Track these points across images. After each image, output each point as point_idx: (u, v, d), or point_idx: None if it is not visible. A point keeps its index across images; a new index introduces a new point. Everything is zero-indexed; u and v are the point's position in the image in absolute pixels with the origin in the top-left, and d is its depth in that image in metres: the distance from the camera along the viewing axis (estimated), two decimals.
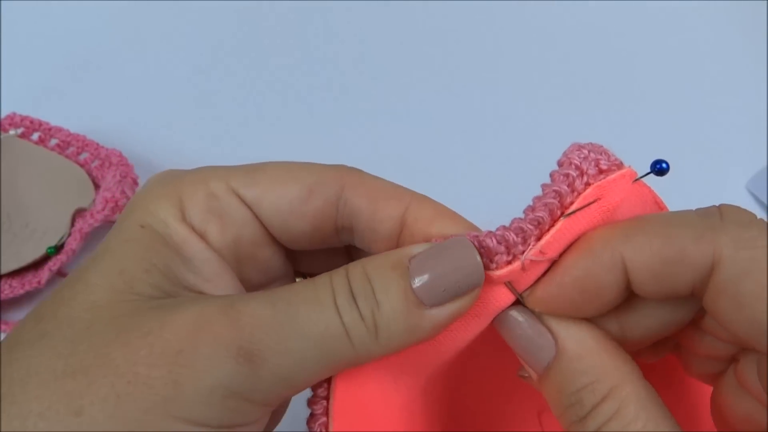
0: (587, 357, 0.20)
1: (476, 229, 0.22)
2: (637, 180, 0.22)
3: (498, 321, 0.21)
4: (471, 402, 0.26)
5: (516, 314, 0.21)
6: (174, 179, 0.23)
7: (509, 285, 0.21)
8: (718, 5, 0.60)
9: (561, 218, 0.21)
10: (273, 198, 0.23)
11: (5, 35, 0.57)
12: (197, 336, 0.18)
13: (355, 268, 0.20)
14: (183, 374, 0.17)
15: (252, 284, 0.24)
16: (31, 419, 0.18)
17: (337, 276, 0.20)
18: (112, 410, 0.17)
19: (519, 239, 0.20)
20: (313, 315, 0.19)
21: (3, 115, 0.47)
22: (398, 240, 0.23)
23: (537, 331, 0.20)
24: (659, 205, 0.23)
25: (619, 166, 0.22)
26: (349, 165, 0.25)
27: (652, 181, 0.23)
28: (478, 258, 0.20)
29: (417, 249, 0.20)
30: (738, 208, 0.20)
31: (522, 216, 0.21)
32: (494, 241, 0.20)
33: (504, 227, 0.21)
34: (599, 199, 0.21)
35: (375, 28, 0.59)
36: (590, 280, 0.20)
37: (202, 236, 0.22)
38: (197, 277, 0.22)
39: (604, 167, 0.21)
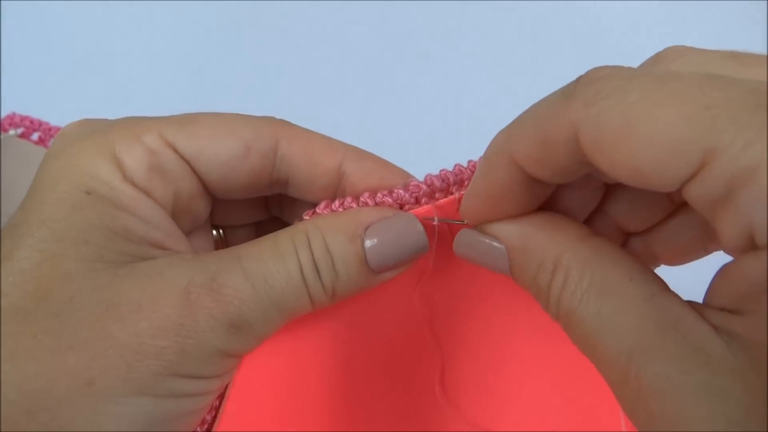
0: (529, 244, 0.20)
1: (410, 176, 0.24)
2: None
3: (456, 248, 0.22)
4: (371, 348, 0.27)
5: (463, 237, 0.22)
6: (100, 133, 0.22)
7: (438, 219, 0.24)
8: (718, 5, 0.60)
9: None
10: (211, 153, 0.23)
11: (5, 35, 0.57)
12: (192, 310, 0.20)
13: (316, 237, 0.22)
14: (189, 343, 0.20)
15: None
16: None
17: (301, 247, 0.22)
18: (125, 377, 0.19)
19: (442, 184, 0.23)
20: (286, 289, 0.21)
21: (3, 115, 0.47)
22: (337, 190, 0.24)
23: (484, 243, 0.21)
24: None
25: None
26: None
27: None
28: (421, 228, 0.23)
29: (368, 217, 0.22)
30: (595, 68, 0.18)
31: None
32: (424, 185, 0.23)
33: (430, 174, 0.24)
34: None
35: (372, 27, 0.59)
36: (489, 183, 0.20)
37: (147, 194, 0.22)
38: (159, 233, 0.22)
39: None
